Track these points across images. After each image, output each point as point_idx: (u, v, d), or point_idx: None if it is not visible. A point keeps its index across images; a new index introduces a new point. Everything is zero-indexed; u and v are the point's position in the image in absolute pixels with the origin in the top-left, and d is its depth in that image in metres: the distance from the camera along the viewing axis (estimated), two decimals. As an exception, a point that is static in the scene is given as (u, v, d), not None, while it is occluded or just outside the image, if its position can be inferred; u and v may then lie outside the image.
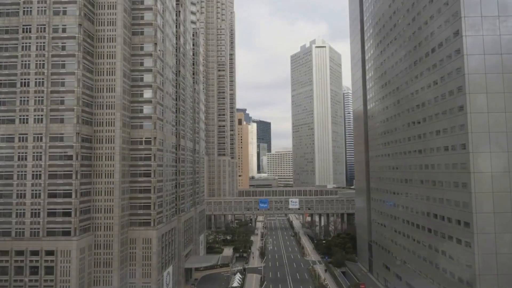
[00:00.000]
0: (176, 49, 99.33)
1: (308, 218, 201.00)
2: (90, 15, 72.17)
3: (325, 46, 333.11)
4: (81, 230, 67.89)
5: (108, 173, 72.18)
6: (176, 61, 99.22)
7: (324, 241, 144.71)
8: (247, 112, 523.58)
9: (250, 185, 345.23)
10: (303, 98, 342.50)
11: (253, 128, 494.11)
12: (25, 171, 66.72)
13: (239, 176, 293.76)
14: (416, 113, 75.71)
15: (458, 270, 60.54)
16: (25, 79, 67.71)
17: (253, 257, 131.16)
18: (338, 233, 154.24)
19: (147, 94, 78.58)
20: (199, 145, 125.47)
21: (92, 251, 70.71)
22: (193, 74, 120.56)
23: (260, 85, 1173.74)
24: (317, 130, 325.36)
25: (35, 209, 66.25)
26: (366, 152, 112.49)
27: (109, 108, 73.10)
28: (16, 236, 66.26)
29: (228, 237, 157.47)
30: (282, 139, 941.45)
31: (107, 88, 73.34)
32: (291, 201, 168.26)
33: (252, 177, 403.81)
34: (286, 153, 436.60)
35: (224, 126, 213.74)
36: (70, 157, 67.17)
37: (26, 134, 67.21)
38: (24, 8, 68.52)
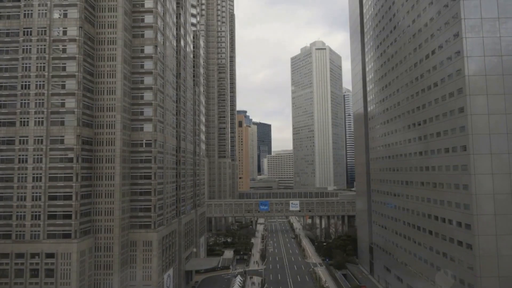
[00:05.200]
0: (177, 52, 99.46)
1: (309, 220, 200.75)
2: (91, 18, 72.31)
3: (325, 48, 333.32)
4: (82, 233, 67.82)
5: (108, 176, 72.16)
6: (177, 64, 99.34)
7: (324, 243, 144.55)
8: (247, 114, 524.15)
9: (250, 187, 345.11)
10: (303, 100, 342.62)
11: (253, 130, 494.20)
12: (25, 174, 66.73)
13: (240, 178, 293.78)
14: (416, 115, 75.70)
15: (459, 272, 60.40)
16: (25, 82, 67.80)
17: (253, 259, 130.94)
18: (339, 235, 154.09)
19: (148, 96, 78.65)
20: (200, 147, 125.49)
21: (93, 253, 70.60)
22: (194, 76, 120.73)
23: (261, 87, 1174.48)
24: (318, 132, 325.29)
25: (36, 212, 66.22)
26: (367, 154, 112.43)
27: (109, 111, 73.15)
28: (17, 239, 66.19)
29: (229, 240, 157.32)
30: (283, 141, 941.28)
31: (107, 91, 73.40)
32: (292, 203, 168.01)
33: (253, 179, 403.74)
34: (286, 155, 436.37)
35: (224, 128, 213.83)
36: (70, 160, 67.18)
37: (27, 136, 67.24)
38: (24, 11, 68.68)
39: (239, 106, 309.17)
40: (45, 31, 68.45)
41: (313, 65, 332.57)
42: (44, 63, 68.08)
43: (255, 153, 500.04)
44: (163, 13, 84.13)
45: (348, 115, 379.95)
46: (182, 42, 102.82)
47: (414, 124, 77.01)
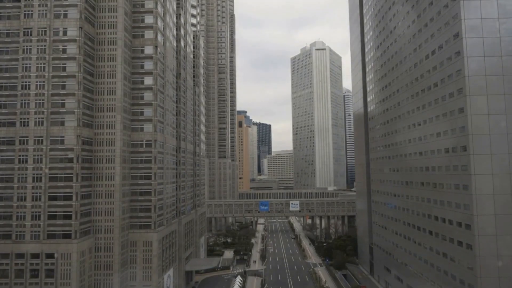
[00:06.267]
0: (177, 52, 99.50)
1: (309, 221, 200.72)
2: (91, 18, 72.34)
3: (325, 49, 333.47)
4: (82, 233, 67.83)
5: (108, 176, 72.19)
6: (177, 64, 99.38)
7: (325, 244, 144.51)
8: (247, 114, 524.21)
9: (250, 188, 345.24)
10: (303, 100, 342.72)
11: (253, 130, 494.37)
12: (25, 174, 66.74)
13: (240, 178, 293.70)
14: (416, 115, 75.71)
15: (459, 272, 60.39)
16: (26, 82, 67.83)
17: (253, 260, 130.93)
18: (339, 236, 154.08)
19: (148, 96, 78.68)
20: (200, 148, 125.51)
21: (93, 254, 70.61)
22: (194, 76, 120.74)
23: (261, 87, 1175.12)
24: (318, 132, 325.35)
25: (36, 212, 66.23)
26: (367, 154, 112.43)
27: (109, 111, 73.17)
28: (17, 239, 66.21)
29: (229, 240, 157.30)
30: (283, 142, 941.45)
31: (107, 91, 73.44)
32: (292, 203, 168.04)
33: (253, 180, 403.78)
34: (286, 156, 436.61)
35: (224, 128, 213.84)
36: (70, 160, 67.20)
37: (27, 137, 67.27)
38: (25, 11, 68.72)
39: (239, 106, 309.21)
40: (45, 31, 68.49)
41: (313, 65, 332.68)
42: (44, 64, 68.11)
43: (255, 154, 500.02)
44: (163, 14, 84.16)
45: (348, 115, 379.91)
46: (182, 43, 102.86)
47: (414, 124, 77.01)
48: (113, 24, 74.12)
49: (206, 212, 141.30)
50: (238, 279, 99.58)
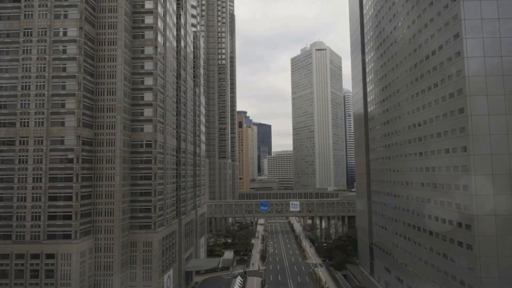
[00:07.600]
0: (177, 52, 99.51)
1: (309, 221, 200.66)
2: (91, 19, 72.37)
3: (325, 49, 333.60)
4: (82, 233, 67.82)
5: (108, 176, 72.17)
6: (177, 64, 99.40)
7: (325, 244, 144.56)
8: (247, 115, 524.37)
9: (250, 188, 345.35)
10: (303, 100, 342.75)
11: (253, 130, 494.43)
12: (25, 174, 66.73)
13: (240, 178, 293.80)
14: (416, 116, 75.70)
15: (460, 272, 60.35)
16: (26, 82, 67.84)
17: (254, 260, 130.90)
18: (339, 236, 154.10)
19: (148, 97, 78.69)
20: (200, 148, 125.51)
21: (93, 254, 70.59)
22: (194, 77, 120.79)
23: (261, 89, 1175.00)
24: (318, 132, 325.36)
25: (36, 212, 66.22)
26: (367, 155, 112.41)
27: (109, 111, 73.17)
28: (17, 240, 66.20)
29: (229, 240, 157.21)
30: (283, 142, 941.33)
31: (107, 91, 73.44)
32: (292, 204, 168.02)
33: (253, 180, 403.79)
34: (286, 156, 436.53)
35: (224, 129, 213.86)
36: (70, 160, 67.21)
37: (27, 137, 67.27)
38: (25, 11, 68.75)
39: (239, 107, 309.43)
40: (45, 31, 68.51)
41: (313, 65, 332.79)
42: (44, 64, 68.13)
43: (255, 154, 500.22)
44: (163, 14, 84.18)
45: (348, 116, 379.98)
46: (182, 43, 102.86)
47: (414, 124, 77.00)
48: (113, 25, 74.14)
49: (206, 213, 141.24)
50: (238, 279, 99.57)
